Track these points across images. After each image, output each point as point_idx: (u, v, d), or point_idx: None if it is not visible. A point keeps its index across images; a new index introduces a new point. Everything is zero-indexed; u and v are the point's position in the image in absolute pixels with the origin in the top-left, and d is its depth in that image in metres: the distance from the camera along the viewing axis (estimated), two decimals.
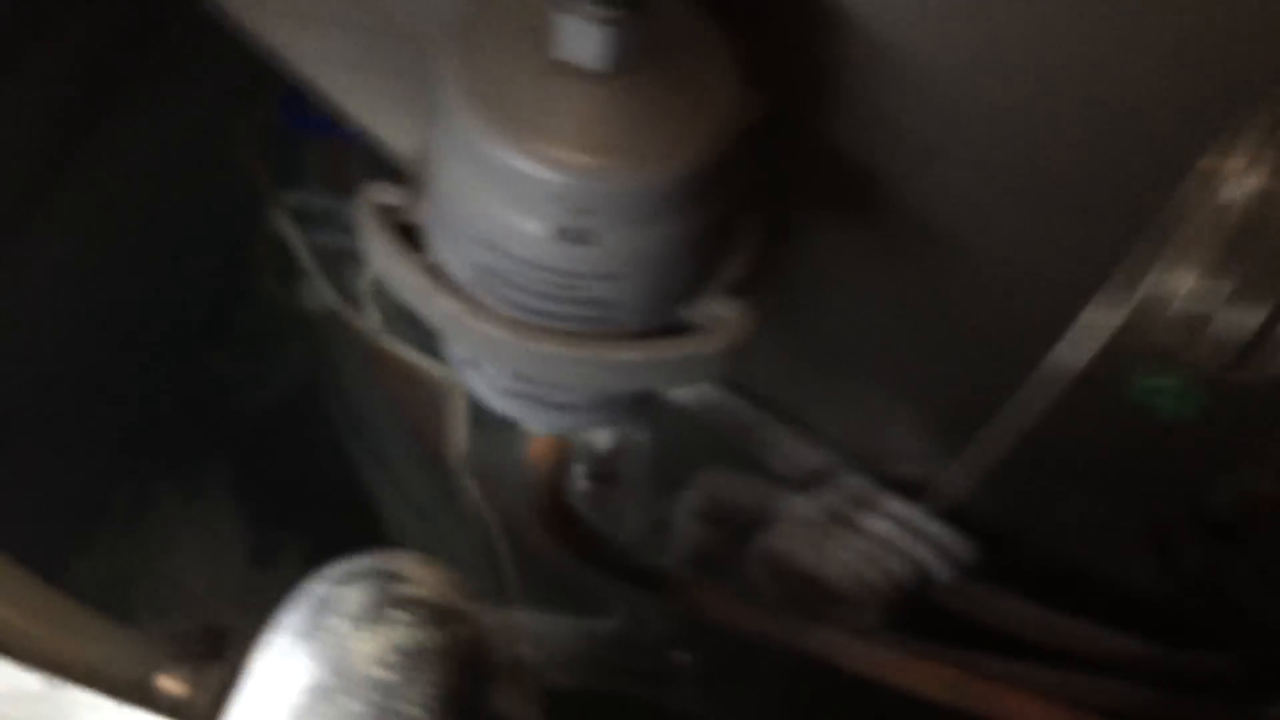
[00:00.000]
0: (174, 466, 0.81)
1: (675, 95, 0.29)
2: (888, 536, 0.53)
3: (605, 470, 0.70)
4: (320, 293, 0.78)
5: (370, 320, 0.77)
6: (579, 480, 0.71)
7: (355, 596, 0.30)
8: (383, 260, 0.32)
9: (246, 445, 0.83)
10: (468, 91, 0.29)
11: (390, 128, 0.44)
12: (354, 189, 0.80)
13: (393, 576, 0.31)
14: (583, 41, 0.28)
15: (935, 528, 0.53)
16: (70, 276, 0.73)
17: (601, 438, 0.67)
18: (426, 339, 0.81)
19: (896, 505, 0.53)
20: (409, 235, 0.32)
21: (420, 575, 0.32)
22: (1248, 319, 0.31)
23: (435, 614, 0.31)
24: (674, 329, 0.32)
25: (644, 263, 0.30)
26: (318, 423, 0.82)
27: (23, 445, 0.71)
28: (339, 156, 0.84)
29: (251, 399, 0.84)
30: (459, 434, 0.76)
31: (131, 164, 0.76)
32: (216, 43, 0.82)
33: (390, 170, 0.83)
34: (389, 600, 0.31)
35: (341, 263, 0.81)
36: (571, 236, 0.29)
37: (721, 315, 0.32)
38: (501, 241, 0.30)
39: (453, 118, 0.29)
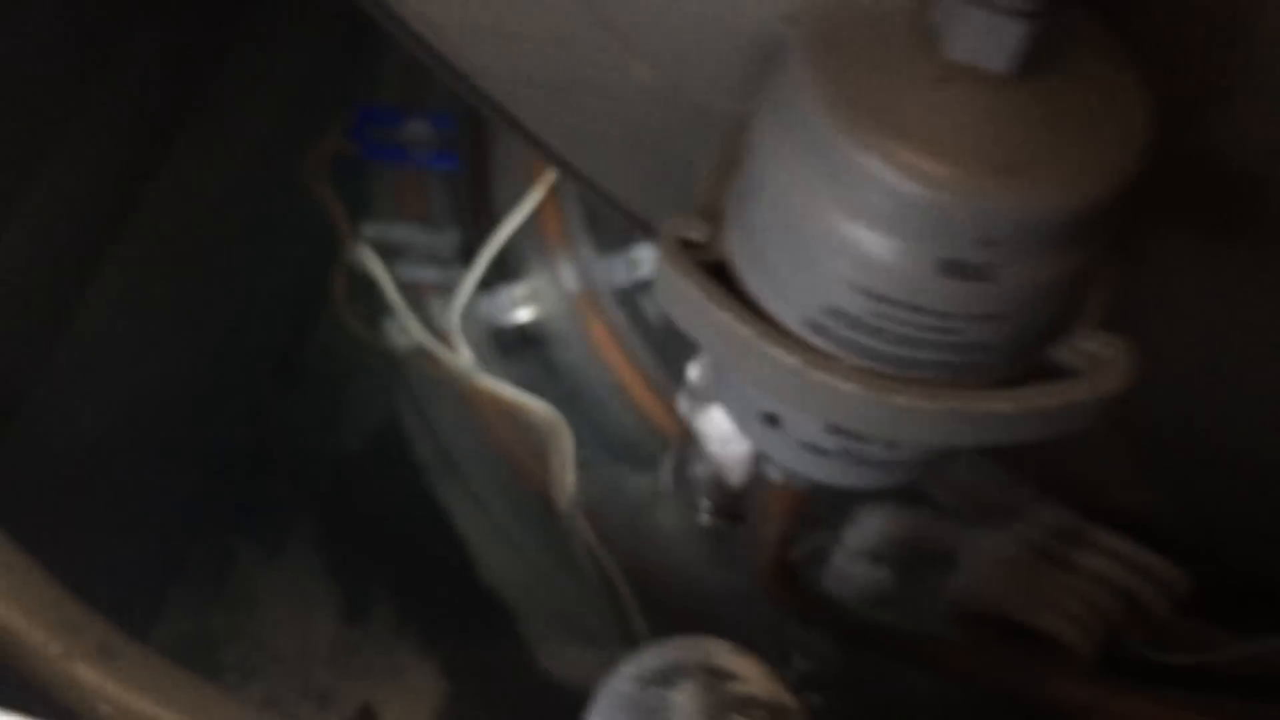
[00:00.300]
0: (252, 520, 0.76)
1: (1086, 103, 0.26)
2: (1099, 571, 0.49)
3: (735, 508, 0.66)
4: (406, 329, 0.74)
5: (462, 357, 0.74)
6: (703, 516, 0.67)
7: (688, 703, 0.26)
8: (687, 305, 0.28)
9: (326, 494, 0.78)
10: (833, 103, 0.25)
11: (653, 203, 0.40)
12: (431, 219, 0.78)
13: (717, 673, 0.28)
14: (990, 39, 0.24)
15: (1149, 559, 0.50)
16: (136, 325, 0.69)
17: (735, 471, 0.64)
18: (526, 375, 0.78)
19: (1106, 537, 0.50)
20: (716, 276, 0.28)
21: (744, 669, 0.28)
22: None
23: (772, 716, 0.27)
24: (1039, 372, 0.28)
25: (1035, 299, 0.26)
26: (401, 467, 0.78)
27: (91, 507, 0.67)
28: (413, 186, 0.80)
29: (328, 445, 0.79)
30: (566, 474, 0.72)
31: (197, 202, 0.71)
32: (280, 72, 0.78)
33: (467, 201, 0.80)
34: (726, 703, 0.27)
35: (426, 297, 0.78)
36: (961, 272, 0.25)
37: (1099, 353, 0.28)
38: (863, 279, 0.26)
39: (810, 134, 0.25)
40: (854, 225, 0.26)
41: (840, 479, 0.32)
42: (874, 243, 0.26)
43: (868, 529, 0.56)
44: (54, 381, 0.65)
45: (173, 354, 0.73)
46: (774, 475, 0.35)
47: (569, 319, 0.75)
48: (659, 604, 0.69)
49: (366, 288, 0.77)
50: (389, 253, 0.76)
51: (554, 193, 0.75)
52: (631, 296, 0.75)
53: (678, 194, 0.40)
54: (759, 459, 0.36)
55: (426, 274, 0.76)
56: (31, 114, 0.60)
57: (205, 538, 0.75)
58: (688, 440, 0.67)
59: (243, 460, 0.78)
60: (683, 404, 0.65)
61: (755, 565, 0.46)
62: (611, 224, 0.78)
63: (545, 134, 0.38)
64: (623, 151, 0.38)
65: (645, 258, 0.75)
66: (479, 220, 0.77)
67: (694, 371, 0.64)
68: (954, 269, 0.25)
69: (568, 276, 0.74)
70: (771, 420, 0.31)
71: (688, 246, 0.28)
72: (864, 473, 0.31)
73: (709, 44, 0.33)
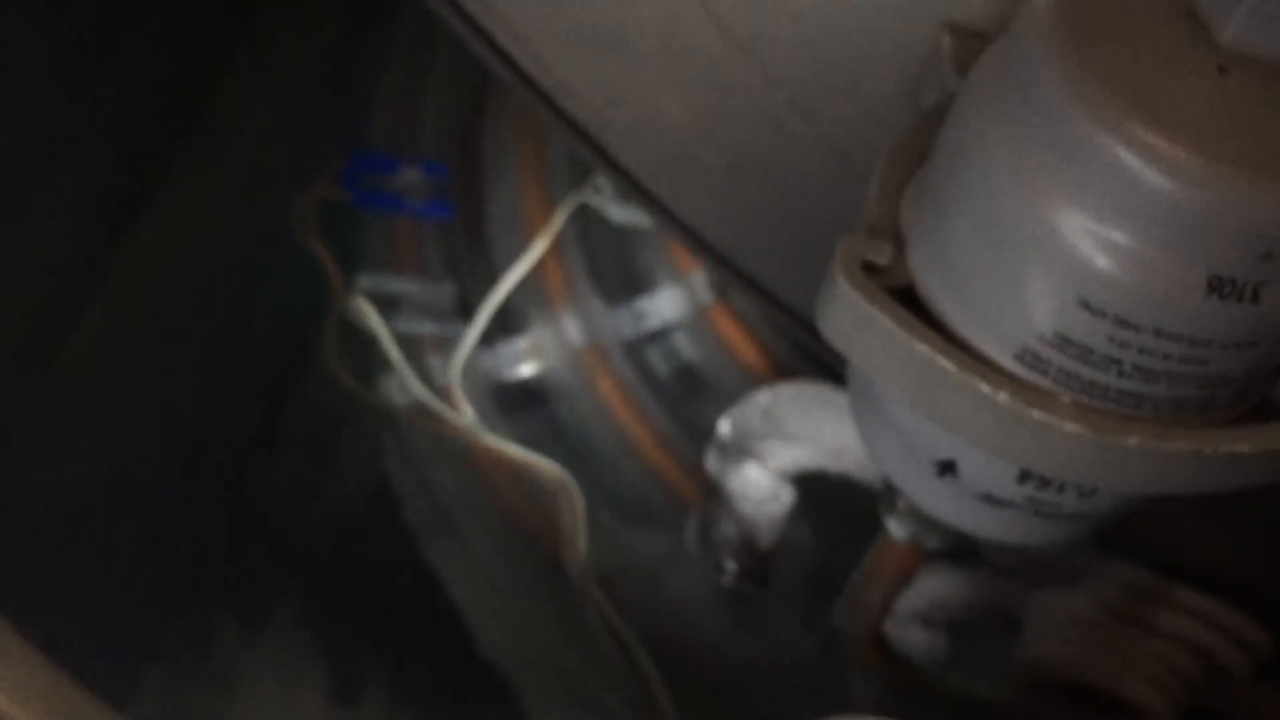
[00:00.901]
0: (233, 592, 0.70)
1: None
2: (1178, 631, 0.47)
3: (759, 568, 0.63)
4: (405, 385, 0.70)
5: (465, 414, 0.70)
6: (727, 579, 0.64)
7: None
8: (871, 337, 0.25)
9: (312, 563, 0.73)
10: (1086, 92, 0.22)
11: (749, 253, 0.37)
12: (427, 271, 0.74)
13: None
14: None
15: (1230, 617, 0.47)
16: (112, 381, 0.64)
17: (767, 533, 0.61)
18: (529, 433, 0.74)
19: (1184, 594, 0.48)
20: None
21: None
22: None
23: None
24: (1259, 411, 0.26)
25: None
26: (392, 533, 0.73)
27: (61, 575, 0.61)
28: (408, 236, 0.77)
29: (314, 510, 0.75)
30: (578, 537, 0.68)
31: (179, 251, 0.67)
32: (267, 115, 0.75)
33: (463, 251, 0.77)
34: None
35: (423, 351, 0.74)
36: (1229, 291, 0.22)
37: None
38: (1105, 301, 0.23)
39: (1050, 129, 0.22)
40: (1101, 236, 0.23)
41: (1007, 535, 0.29)
42: (1127, 257, 0.23)
43: (920, 592, 0.53)
44: (26, 439, 0.60)
45: (150, 412, 0.69)
46: (898, 533, 0.32)
47: (574, 373, 0.71)
48: (680, 674, 0.65)
49: (358, 342, 0.73)
50: (384, 305, 0.73)
51: (556, 243, 0.72)
52: (639, 349, 0.72)
53: (775, 232, 0.37)
54: (882, 513, 0.33)
55: (424, 327, 0.72)
56: (8, 155, 0.56)
57: (183, 611, 0.70)
58: (712, 499, 0.64)
59: (223, 526, 0.73)
60: (711, 461, 0.62)
61: (852, 630, 0.43)
62: (616, 275, 0.76)
63: (647, 176, 0.35)
64: (720, 181, 0.36)
65: (651, 309, 0.72)
66: (476, 271, 0.74)
67: (725, 426, 0.61)
68: (1222, 288, 0.22)
69: (572, 329, 0.71)
70: (946, 469, 0.28)
71: (870, 270, 0.25)
72: (1039, 527, 0.29)
73: (839, 54, 0.31)
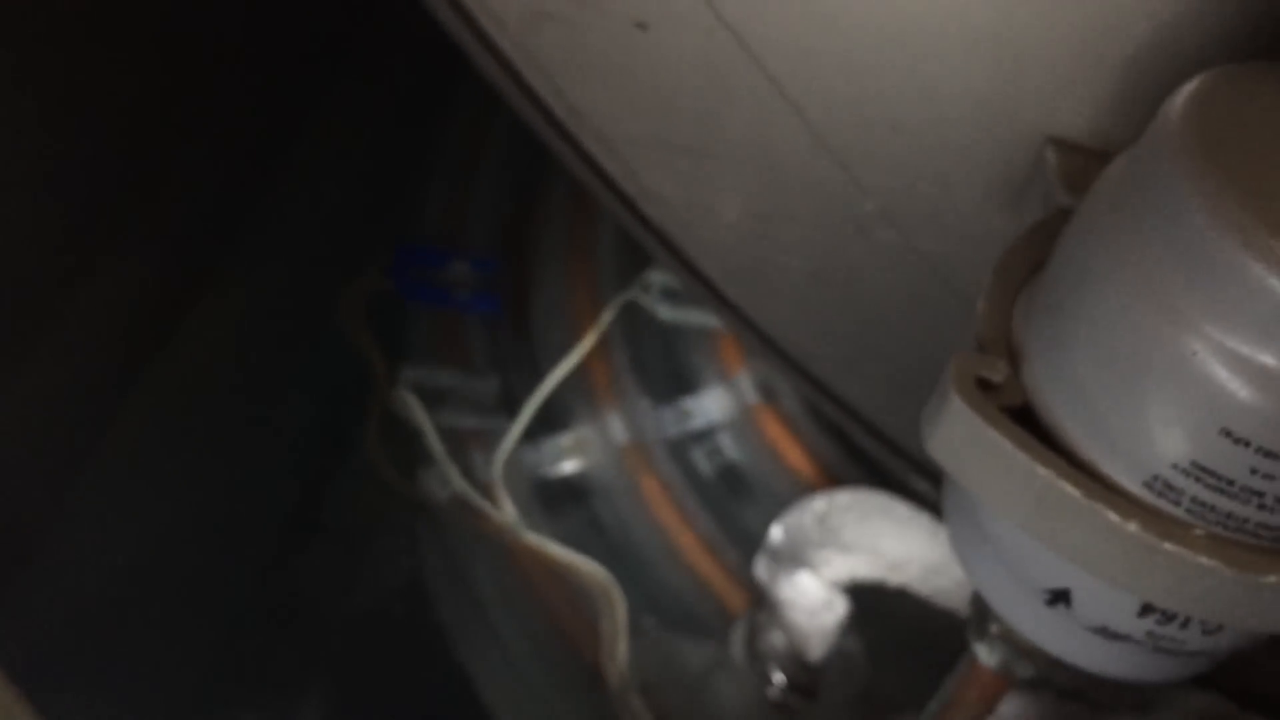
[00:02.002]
0: (261, 690, 0.69)
1: None
2: None
3: (808, 681, 0.61)
4: (446, 479, 0.69)
5: (506, 511, 0.68)
6: (774, 691, 0.62)
7: None
8: (985, 459, 0.24)
9: (341, 660, 0.71)
10: (1222, 205, 0.21)
11: (829, 363, 0.36)
12: (471, 364, 0.74)
13: None
14: None
15: None
16: (151, 470, 0.63)
17: (818, 645, 0.59)
18: (569, 532, 0.72)
19: None
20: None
21: None
22: None
23: None
24: None
25: None
26: (425, 631, 0.72)
27: (89, 671, 0.60)
28: (453, 329, 0.76)
29: (344, 604, 0.73)
30: (619, 642, 0.66)
31: (225, 340, 0.67)
32: (318, 207, 0.75)
33: (509, 346, 0.76)
34: None
35: (465, 445, 0.73)
36: None
37: None
38: (1247, 430, 0.22)
39: (1189, 244, 0.21)
40: (1246, 362, 0.22)
41: (1120, 669, 0.27)
42: (1275, 383, 0.21)
43: None
44: (62, 532, 0.59)
45: (186, 504, 0.68)
46: (988, 660, 0.31)
47: (617, 472, 0.70)
48: None
49: (399, 435, 0.73)
50: (428, 398, 0.72)
51: (602, 340, 0.72)
52: (683, 449, 0.71)
53: (856, 341, 0.37)
54: (970, 637, 0.31)
55: (466, 421, 0.72)
56: (62, 243, 0.56)
57: (210, 709, 0.68)
58: (760, 607, 0.62)
59: (253, 622, 0.71)
60: (761, 567, 0.61)
61: None
62: (662, 374, 0.75)
63: (726, 282, 0.35)
64: (803, 289, 0.35)
65: (697, 409, 0.72)
66: (521, 366, 0.73)
67: (777, 532, 0.60)
68: None
69: (616, 427, 0.70)
70: (1058, 598, 0.26)
71: (984, 387, 0.24)
72: (1156, 663, 0.27)
73: (939, 165, 0.30)
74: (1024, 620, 0.28)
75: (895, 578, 0.53)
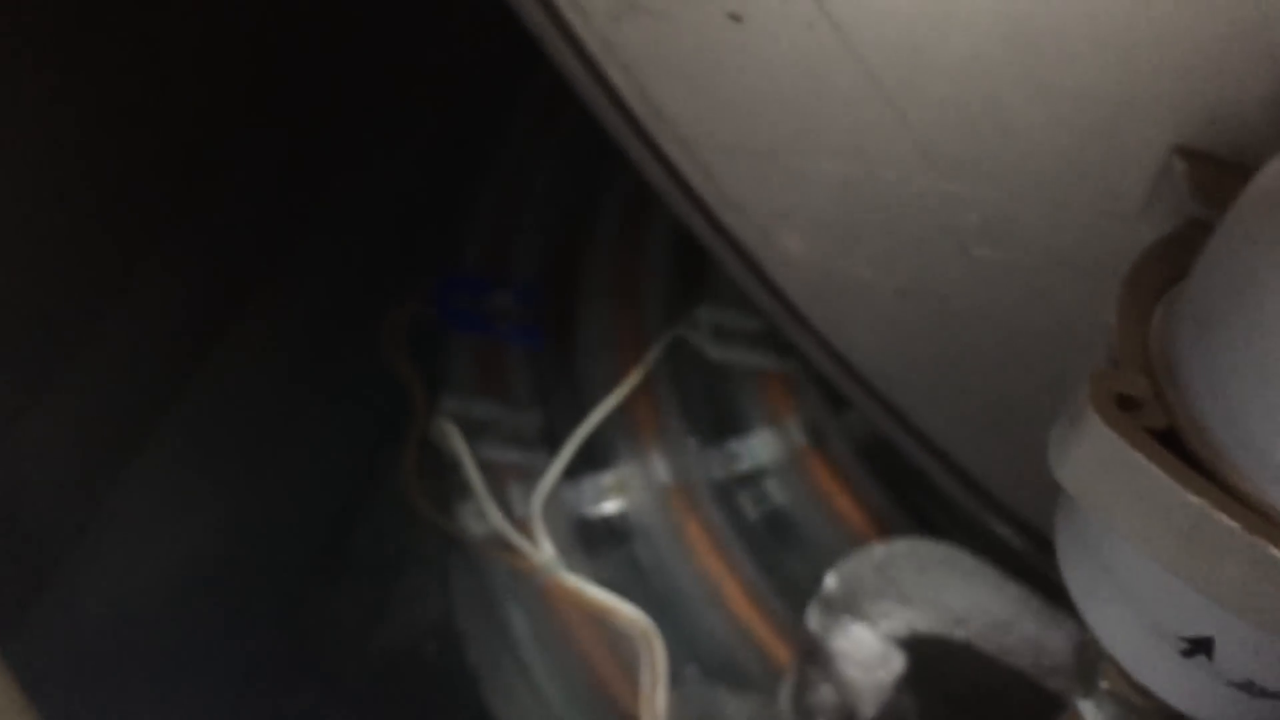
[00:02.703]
0: None
1: None
2: None
3: None
4: (484, 514, 0.67)
5: (544, 550, 0.66)
6: None
7: None
8: (1126, 485, 0.21)
9: (367, 701, 0.69)
10: None
11: (908, 387, 0.34)
12: (513, 397, 0.72)
13: None
14: None
15: None
16: (180, 496, 0.61)
17: (870, 700, 0.56)
18: (608, 574, 0.70)
19: None
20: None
21: None
22: None
23: None
24: None
25: None
26: (453, 672, 0.69)
27: (111, 699, 0.58)
28: (495, 360, 0.74)
29: (372, 641, 0.70)
30: (658, 692, 0.63)
31: (262, 366, 0.65)
32: (362, 233, 0.74)
33: (551, 379, 0.74)
34: None
35: (504, 480, 0.71)
36: None
37: None
38: None
39: None
40: None
41: None
42: None
43: None
44: (91, 550, 0.57)
45: (214, 529, 0.66)
46: (1094, 719, 0.28)
47: (660, 514, 0.68)
48: None
49: (435, 466, 0.71)
50: (466, 429, 0.70)
51: (648, 377, 0.70)
52: (729, 492, 0.69)
53: (937, 366, 0.34)
54: (1074, 694, 0.29)
55: (506, 455, 0.69)
56: (101, 263, 0.55)
57: None
58: (810, 660, 0.59)
59: (277, 657, 0.69)
60: (813, 618, 0.58)
61: None
62: (709, 414, 0.73)
63: (804, 300, 0.33)
64: (886, 308, 0.33)
65: (744, 451, 0.69)
66: (564, 400, 0.71)
67: (832, 581, 0.57)
68: None
69: (660, 467, 0.68)
70: (1198, 647, 0.24)
71: (1127, 407, 0.22)
72: None
73: (1050, 173, 0.28)
74: (1152, 672, 0.26)
75: (958, 633, 0.50)
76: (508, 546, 0.67)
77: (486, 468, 0.70)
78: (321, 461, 0.71)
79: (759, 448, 0.69)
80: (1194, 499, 0.21)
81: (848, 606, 0.54)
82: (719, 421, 0.70)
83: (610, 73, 0.31)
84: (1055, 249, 0.30)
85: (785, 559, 0.69)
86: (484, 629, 0.70)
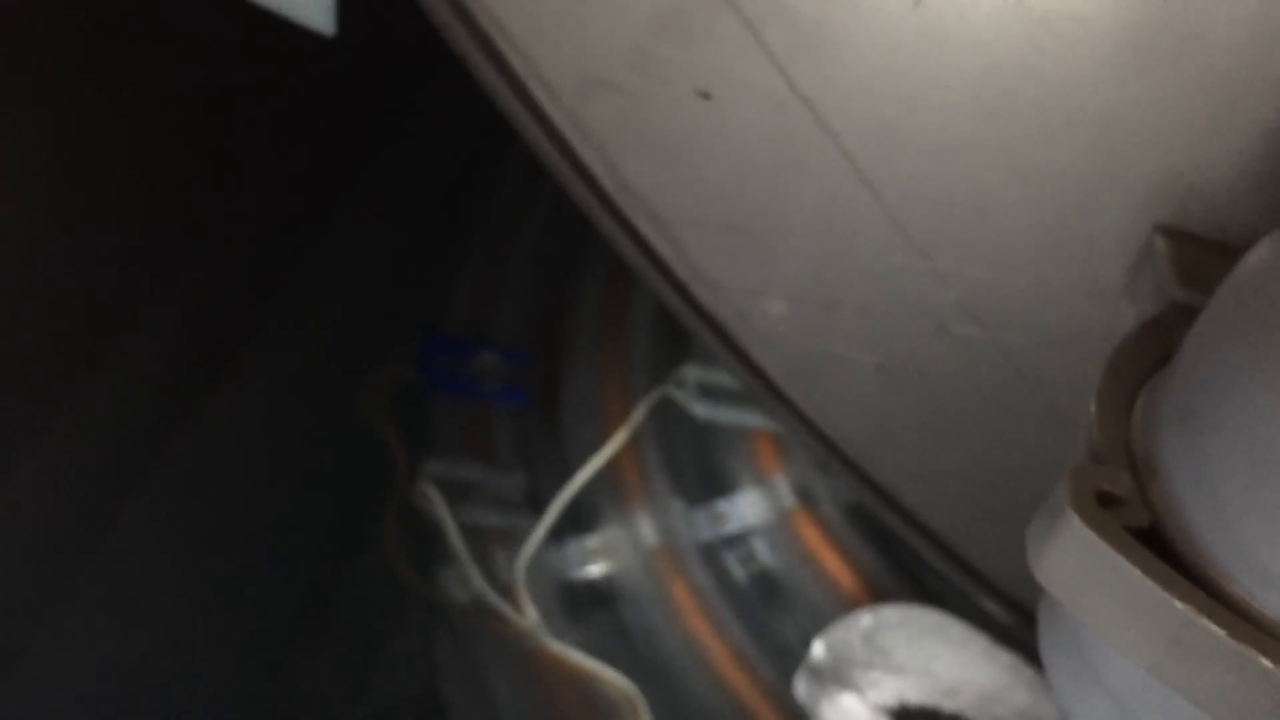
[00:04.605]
0: None
1: None
2: None
3: None
4: (466, 579, 0.66)
5: (527, 615, 0.65)
6: None
7: None
8: (1106, 585, 0.21)
9: None
10: None
11: (888, 462, 0.33)
12: (497, 459, 0.71)
13: None
14: None
15: None
16: (159, 561, 0.60)
17: None
18: (594, 638, 0.69)
19: None
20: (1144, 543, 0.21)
21: None
22: None
23: None
24: None
25: None
26: None
27: None
28: (480, 421, 0.73)
29: (353, 711, 0.69)
30: None
31: (243, 426, 0.64)
32: (347, 293, 0.73)
33: (536, 441, 0.73)
34: None
35: (488, 544, 0.69)
36: None
37: None
38: None
39: None
40: None
41: None
42: None
43: None
44: (66, 619, 0.56)
45: (192, 595, 0.64)
46: None
47: (646, 576, 0.67)
48: None
49: (419, 530, 0.69)
50: (450, 492, 0.69)
51: (634, 438, 0.69)
52: (715, 553, 0.68)
53: (920, 441, 0.33)
54: None
55: (490, 519, 0.68)
56: (82, 324, 0.54)
57: None
58: None
59: None
60: (801, 687, 0.57)
61: None
62: (695, 474, 0.72)
63: (783, 376, 0.32)
64: (866, 384, 0.32)
65: (731, 512, 0.68)
66: (549, 462, 0.70)
67: (820, 649, 0.56)
68: None
69: (646, 529, 0.67)
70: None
71: (1106, 504, 0.21)
72: None
73: (1027, 253, 0.27)
74: None
75: (949, 704, 0.49)
76: (491, 612, 0.66)
77: (470, 531, 0.69)
78: (302, 527, 0.69)
79: (746, 508, 0.68)
80: (1178, 604, 0.20)
81: (836, 676, 0.53)
82: (706, 481, 0.69)
83: (579, 149, 0.31)
84: (1037, 328, 0.29)
85: (774, 621, 0.68)
86: (467, 697, 0.69)
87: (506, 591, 0.66)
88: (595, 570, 0.67)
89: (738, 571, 0.67)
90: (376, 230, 0.74)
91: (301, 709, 0.70)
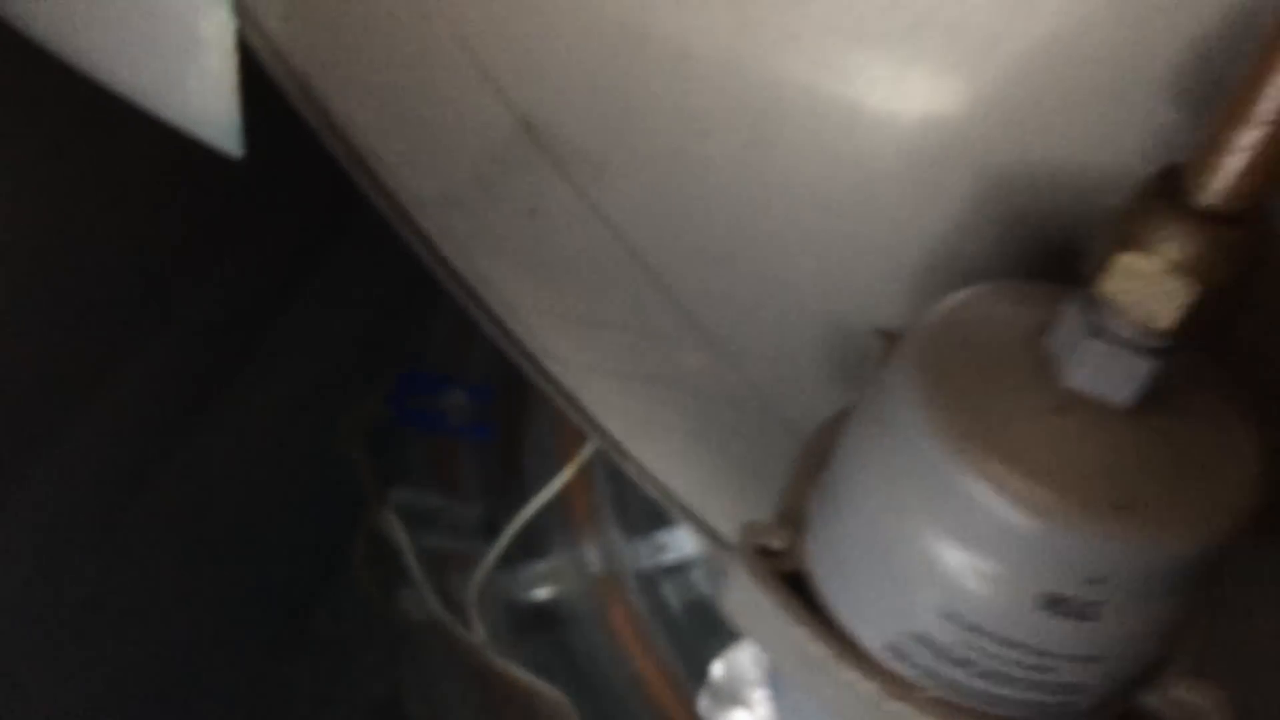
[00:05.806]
0: None
1: (1201, 439, 0.25)
2: None
3: None
4: (423, 600, 0.72)
5: (476, 633, 0.71)
6: None
7: None
8: (759, 616, 0.27)
9: None
10: (941, 425, 0.24)
11: (717, 513, 0.40)
12: (460, 488, 0.77)
13: None
14: (1114, 371, 0.24)
15: None
16: (135, 588, 0.66)
17: None
18: (540, 657, 0.74)
19: None
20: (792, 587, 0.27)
21: None
22: None
23: None
24: (1125, 717, 0.27)
25: (1136, 642, 0.25)
26: None
27: None
28: (447, 453, 0.80)
29: (323, 716, 0.75)
30: None
31: (225, 460, 0.71)
32: (319, 333, 0.80)
33: (497, 473, 0.79)
34: None
35: (447, 567, 0.76)
36: (1064, 608, 0.24)
37: (1193, 703, 0.27)
38: (955, 608, 0.25)
39: (912, 454, 0.25)
40: (950, 551, 0.25)
41: None
42: (972, 571, 0.25)
43: None
44: (65, 626, 0.62)
45: (183, 607, 0.70)
46: None
47: (588, 600, 0.72)
48: None
49: (384, 554, 0.76)
50: (416, 520, 0.75)
51: (585, 471, 0.74)
52: (654, 582, 0.73)
53: (738, 496, 0.39)
54: None
55: (449, 544, 0.75)
56: (62, 364, 0.59)
57: None
58: None
59: None
60: (703, 704, 0.62)
61: None
62: (640, 507, 0.77)
63: (624, 436, 0.38)
64: (687, 446, 0.38)
65: (670, 542, 0.73)
66: (509, 494, 0.76)
67: (719, 669, 0.61)
68: (1056, 605, 0.24)
69: (592, 557, 0.73)
70: None
71: (765, 554, 0.27)
72: None
73: (790, 347, 0.33)
74: None
75: None
76: (445, 630, 0.72)
77: (432, 555, 0.76)
78: (281, 548, 0.76)
79: (684, 539, 0.73)
80: (797, 629, 0.26)
81: (731, 695, 0.58)
82: (649, 514, 0.75)
83: (443, 248, 0.37)
84: (807, 408, 0.35)
85: (707, 648, 0.73)
86: (425, 708, 0.75)
87: (460, 611, 0.72)
88: (543, 593, 0.72)
89: (674, 599, 0.72)
90: (361, 277, 0.80)
91: (278, 713, 0.76)
